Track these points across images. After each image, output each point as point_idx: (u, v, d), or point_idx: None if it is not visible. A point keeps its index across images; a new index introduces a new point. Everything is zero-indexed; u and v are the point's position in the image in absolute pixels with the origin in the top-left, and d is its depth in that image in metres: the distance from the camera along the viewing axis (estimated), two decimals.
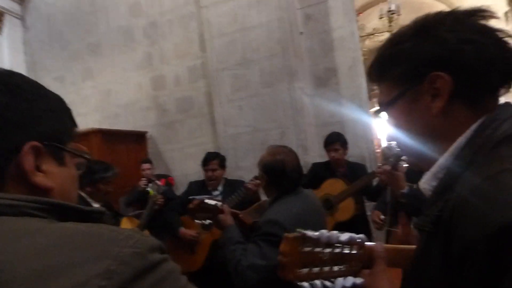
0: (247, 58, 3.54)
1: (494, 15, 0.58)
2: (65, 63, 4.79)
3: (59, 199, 0.48)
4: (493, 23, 0.59)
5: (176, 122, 4.24)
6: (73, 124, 0.56)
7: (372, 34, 7.52)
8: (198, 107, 4.13)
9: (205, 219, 1.72)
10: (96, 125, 3.99)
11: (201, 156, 2.93)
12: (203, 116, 4.09)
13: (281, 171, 1.57)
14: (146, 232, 1.70)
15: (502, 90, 0.59)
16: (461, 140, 0.56)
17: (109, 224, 0.46)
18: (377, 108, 0.69)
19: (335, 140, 2.81)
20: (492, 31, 0.57)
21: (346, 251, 0.71)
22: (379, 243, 0.74)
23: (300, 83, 3.49)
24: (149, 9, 4.35)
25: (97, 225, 0.43)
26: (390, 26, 6.78)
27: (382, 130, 5.80)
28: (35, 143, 0.47)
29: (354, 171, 2.80)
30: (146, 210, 2.58)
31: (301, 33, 3.88)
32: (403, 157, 1.71)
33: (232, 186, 2.78)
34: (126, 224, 2.38)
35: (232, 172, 3.41)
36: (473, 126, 0.56)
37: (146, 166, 3.60)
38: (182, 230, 2.73)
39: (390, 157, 1.64)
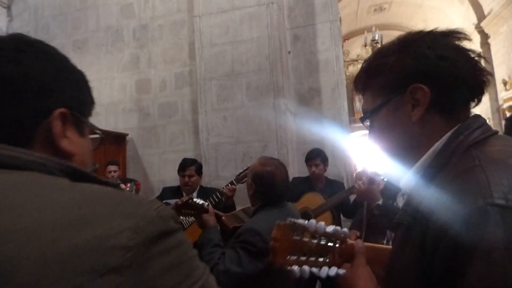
0: (235, 70, 3.59)
1: (467, 36, 0.65)
2: None
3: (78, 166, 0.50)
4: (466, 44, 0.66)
5: (158, 127, 4.20)
6: (93, 100, 0.59)
7: (356, 61, 7.83)
8: (182, 113, 4.12)
9: (189, 216, 1.72)
10: None
11: None
12: (187, 123, 4.09)
13: (270, 182, 1.59)
14: None
15: (473, 104, 0.66)
16: (437, 145, 0.62)
17: None
18: (362, 115, 0.74)
19: (316, 156, 2.90)
20: (465, 50, 0.64)
21: (330, 244, 0.79)
22: (359, 240, 0.81)
23: (284, 100, 3.58)
24: (141, 12, 4.36)
25: (121, 191, 0.45)
26: None
27: (360, 154, 5.97)
28: (64, 109, 0.49)
29: (332, 188, 2.88)
30: None
31: (289, 52, 4.00)
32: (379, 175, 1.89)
33: (207, 194, 2.75)
34: None
35: (212, 181, 3.40)
36: (448, 133, 0.62)
37: (112, 168, 3.38)
38: None
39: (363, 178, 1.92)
